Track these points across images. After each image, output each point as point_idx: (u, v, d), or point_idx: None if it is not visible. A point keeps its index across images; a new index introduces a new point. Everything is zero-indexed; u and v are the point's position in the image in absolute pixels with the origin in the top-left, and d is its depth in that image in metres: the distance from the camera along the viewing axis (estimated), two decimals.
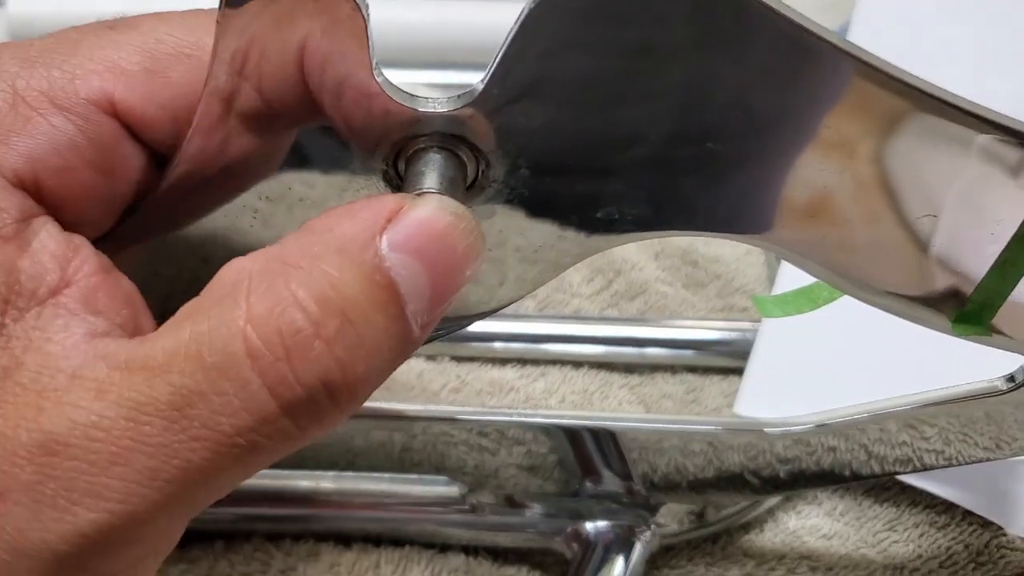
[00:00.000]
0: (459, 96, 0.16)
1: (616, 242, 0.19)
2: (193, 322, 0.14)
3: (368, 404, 0.26)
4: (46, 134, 0.16)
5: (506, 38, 0.15)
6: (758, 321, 0.31)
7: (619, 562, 0.27)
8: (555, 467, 0.27)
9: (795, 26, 0.16)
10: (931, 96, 0.17)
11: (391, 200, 0.15)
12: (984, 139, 0.17)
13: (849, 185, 0.18)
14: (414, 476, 0.27)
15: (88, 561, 0.14)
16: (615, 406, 0.31)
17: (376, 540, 0.27)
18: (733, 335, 0.32)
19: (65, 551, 0.14)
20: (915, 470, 0.26)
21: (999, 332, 0.20)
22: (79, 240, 0.16)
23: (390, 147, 0.17)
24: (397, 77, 0.16)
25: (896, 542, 0.29)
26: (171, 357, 0.14)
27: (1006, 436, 0.25)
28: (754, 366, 0.29)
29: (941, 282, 0.20)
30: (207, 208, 0.19)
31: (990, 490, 0.28)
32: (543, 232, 0.18)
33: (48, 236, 0.15)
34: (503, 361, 0.32)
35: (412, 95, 0.16)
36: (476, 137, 0.17)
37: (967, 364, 0.23)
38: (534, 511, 0.27)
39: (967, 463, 0.25)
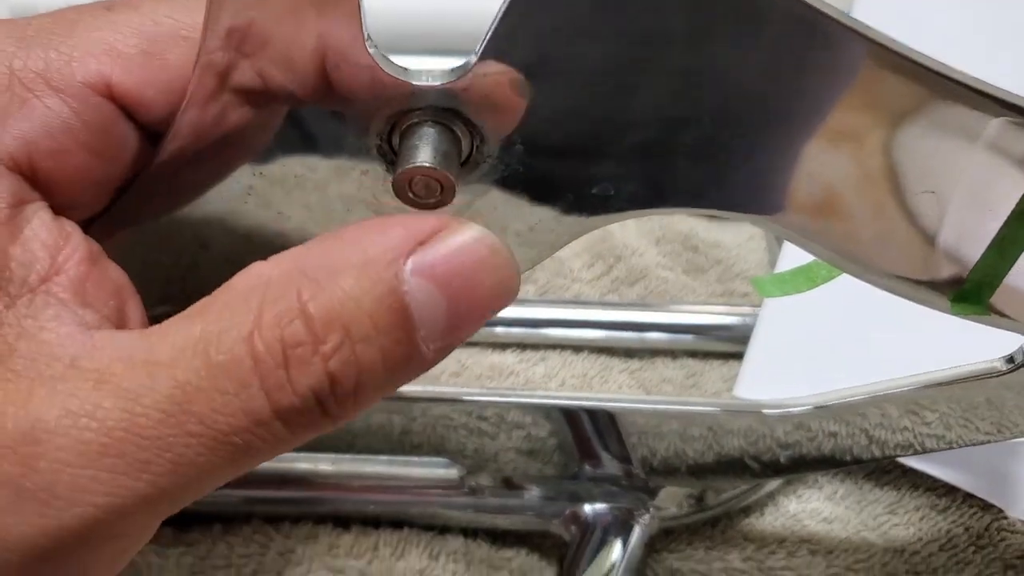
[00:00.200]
0: (452, 70, 0.16)
1: (613, 219, 0.19)
2: (204, 321, 0.14)
3: None
4: (42, 116, 0.16)
5: (498, 12, 0.15)
6: (759, 306, 0.31)
7: (617, 545, 0.27)
8: (554, 451, 0.27)
9: (806, 6, 0.16)
10: (944, 76, 0.17)
11: (430, 222, 0.15)
12: (991, 131, 0.17)
13: (856, 179, 0.18)
14: (413, 458, 0.27)
15: (69, 556, 0.14)
16: (615, 390, 0.31)
17: (375, 522, 0.27)
18: (733, 320, 0.32)
19: (46, 546, 0.14)
20: (916, 453, 0.26)
21: (998, 312, 0.20)
22: (70, 227, 0.16)
23: (384, 121, 0.17)
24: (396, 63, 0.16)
25: (896, 525, 0.28)
26: (179, 352, 0.14)
27: (1007, 421, 0.25)
28: (754, 349, 0.29)
29: (947, 270, 0.20)
30: (200, 186, 0.19)
31: (991, 473, 0.28)
32: (538, 209, 0.18)
33: (40, 223, 0.15)
34: (503, 346, 0.32)
35: (405, 68, 0.16)
36: (470, 111, 0.16)
37: (970, 347, 0.23)
38: (533, 493, 0.27)
39: (968, 445, 0.25)
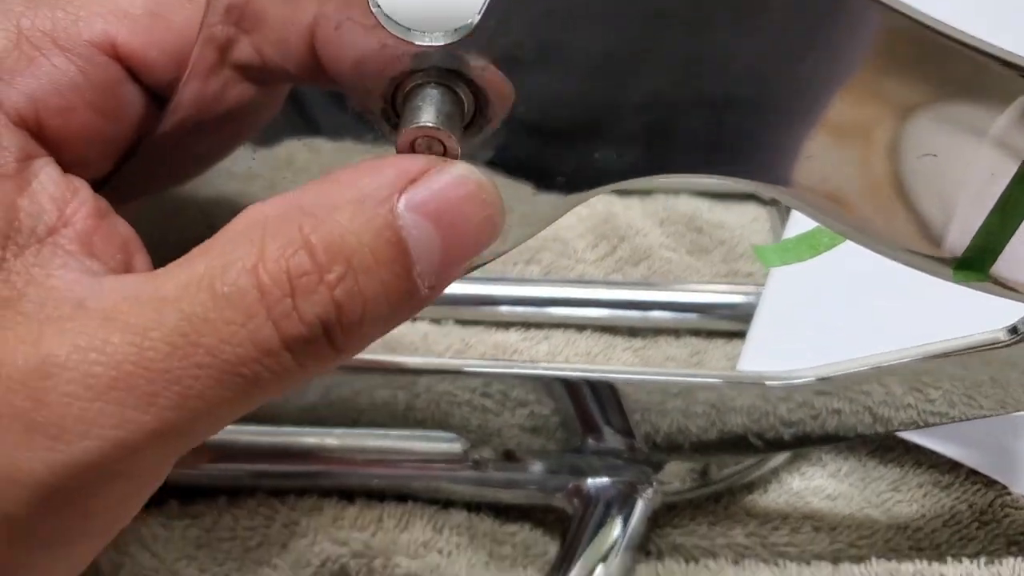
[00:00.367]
0: (456, 30, 0.16)
1: (613, 185, 0.19)
2: (208, 258, 0.15)
3: (371, 357, 0.26)
4: (49, 74, 0.16)
5: None
6: (762, 285, 0.31)
7: (620, 519, 0.27)
8: (558, 428, 0.27)
9: None
10: (965, 44, 0.17)
11: (419, 161, 0.15)
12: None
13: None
14: (418, 432, 0.27)
15: (77, 494, 0.14)
16: None
17: (379, 496, 0.27)
18: (737, 299, 0.32)
19: (54, 483, 0.14)
20: (919, 428, 0.26)
21: (1001, 282, 0.20)
22: (78, 182, 0.16)
23: (388, 83, 0.17)
24: None
25: (900, 502, 0.28)
26: (184, 288, 0.14)
27: (1011, 399, 0.25)
28: (758, 323, 0.29)
29: (949, 238, 0.20)
30: (204, 160, 0.19)
31: (995, 449, 0.28)
32: (541, 172, 0.18)
33: (48, 177, 0.16)
34: (507, 325, 0.32)
35: (408, 28, 0.16)
36: (473, 73, 0.17)
37: (975, 320, 0.23)
38: (536, 467, 0.27)
39: (971, 419, 0.25)
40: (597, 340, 0.32)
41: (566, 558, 0.26)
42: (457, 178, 0.15)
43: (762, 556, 0.27)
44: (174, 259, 0.21)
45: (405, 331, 0.32)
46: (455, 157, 0.17)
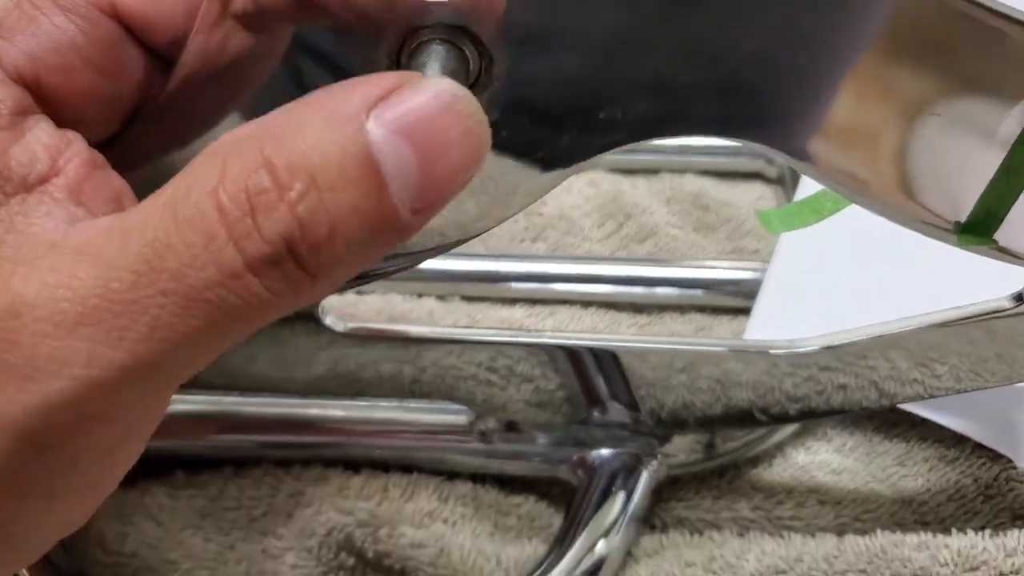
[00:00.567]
0: None
1: (618, 144, 0.19)
2: (173, 185, 0.14)
3: (376, 326, 0.26)
4: (48, 33, 0.16)
5: None
6: (768, 262, 0.31)
7: (624, 491, 0.27)
8: (563, 402, 0.27)
9: None
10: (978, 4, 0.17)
11: (390, 77, 0.15)
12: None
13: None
14: (423, 403, 0.27)
15: (56, 438, 0.14)
16: None
17: (384, 466, 0.27)
18: (742, 275, 0.32)
19: (32, 425, 0.14)
20: (923, 399, 0.26)
21: (1006, 250, 0.20)
22: (72, 135, 0.16)
23: (394, 38, 0.17)
24: None
25: (905, 476, 0.28)
26: (148, 214, 0.14)
27: (1017, 373, 0.25)
28: (765, 295, 0.29)
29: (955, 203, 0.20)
30: (209, 117, 0.19)
31: (1000, 423, 0.28)
32: (544, 132, 0.18)
33: (42, 129, 0.16)
34: (513, 301, 0.32)
35: None
36: (479, 29, 0.17)
37: (981, 291, 0.23)
38: (541, 439, 0.27)
39: (976, 390, 0.25)
40: (602, 316, 0.32)
41: (570, 530, 0.27)
42: (430, 92, 0.14)
43: (767, 529, 0.28)
44: None
45: (411, 307, 0.32)
46: None
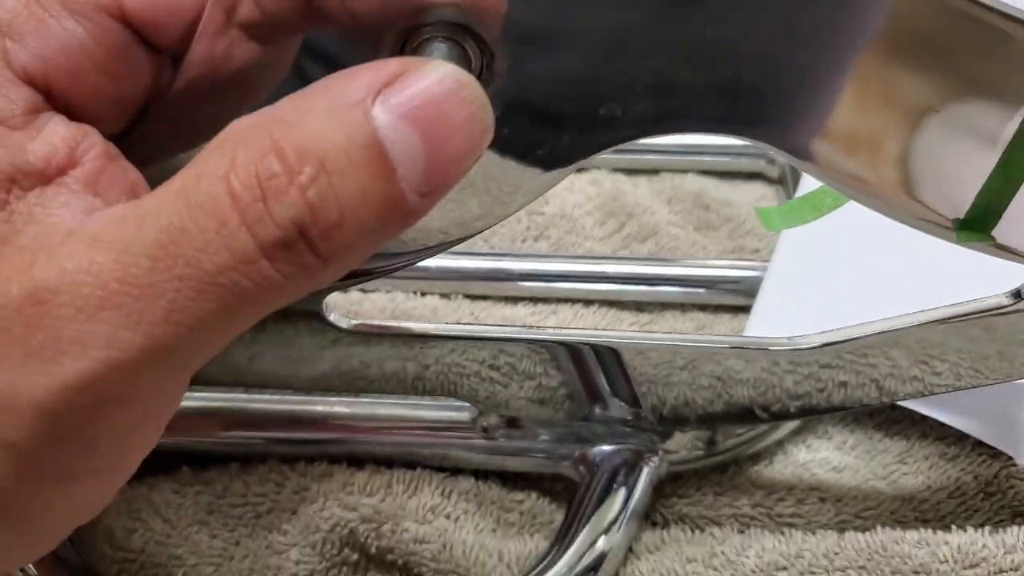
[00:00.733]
0: None
1: (618, 142, 0.19)
2: (184, 174, 0.15)
3: (380, 323, 0.27)
4: (57, 36, 0.16)
5: None
6: (768, 261, 0.31)
7: (625, 487, 0.27)
8: (565, 400, 0.27)
9: None
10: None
11: (394, 63, 0.15)
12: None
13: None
14: (427, 400, 0.27)
15: (77, 420, 0.14)
16: None
17: (388, 463, 0.27)
18: (743, 273, 0.32)
19: (54, 407, 0.14)
20: (923, 396, 0.26)
21: (1003, 243, 0.20)
22: (88, 128, 0.16)
23: (396, 37, 0.17)
24: None
25: (906, 474, 0.29)
26: (162, 200, 0.14)
27: (1016, 372, 0.25)
28: (765, 292, 0.30)
29: (953, 202, 0.20)
30: (216, 122, 0.19)
31: (1001, 420, 0.28)
32: (545, 129, 0.19)
33: (58, 123, 0.16)
34: (515, 299, 0.33)
35: None
36: (481, 27, 0.17)
37: (981, 288, 0.23)
38: (543, 435, 0.27)
39: (976, 387, 0.25)
40: (604, 314, 0.32)
41: (572, 526, 0.27)
42: (434, 77, 0.15)
43: (768, 526, 0.28)
44: None
45: (415, 305, 0.32)
46: None
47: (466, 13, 0.17)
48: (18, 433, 0.14)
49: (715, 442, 0.28)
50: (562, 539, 0.26)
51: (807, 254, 0.30)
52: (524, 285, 0.32)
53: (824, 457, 0.29)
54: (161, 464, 0.28)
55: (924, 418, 0.29)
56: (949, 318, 0.24)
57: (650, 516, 0.28)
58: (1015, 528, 0.26)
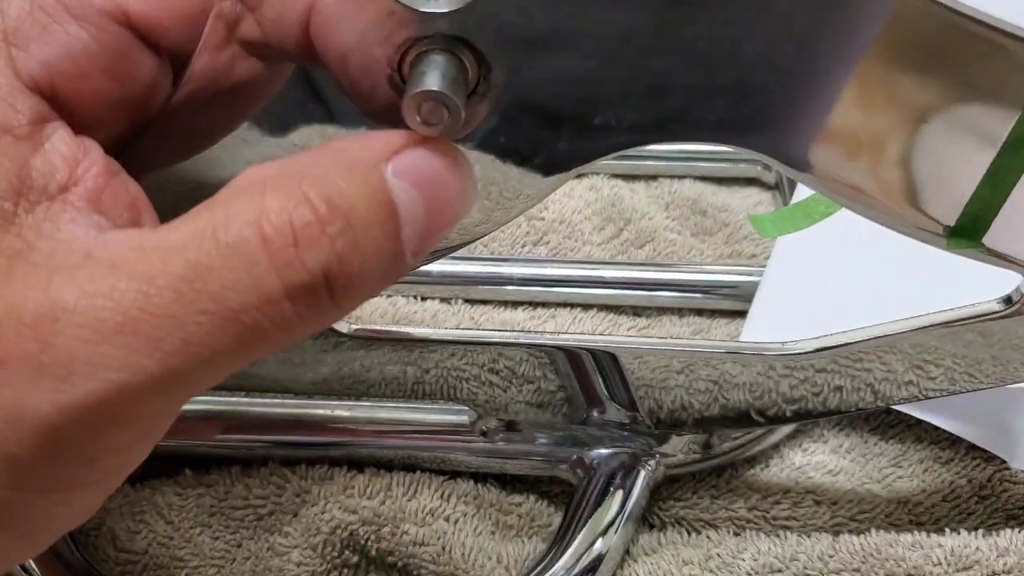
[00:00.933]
0: None
1: (617, 149, 0.19)
2: (210, 212, 0.15)
3: (382, 328, 0.27)
4: (62, 42, 0.17)
5: None
6: (764, 267, 0.32)
7: (622, 490, 0.27)
8: (563, 404, 0.28)
9: None
10: (972, 19, 0.17)
11: (401, 135, 0.16)
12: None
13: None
14: (426, 403, 0.27)
15: (81, 437, 0.15)
16: None
17: (388, 465, 0.28)
18: (739, 278, 0.32)
19: (59, 424, 0.14)
20: (919, 400, 0.26)
21: (994, 252, 0.21)
22: (89, 143, 0.17)
23: (395, 50, 0.17)
24: None
25: (901, 477, 0.29)
26: (188, 238, 0.15)
27: (1010, 376, 0.26)
28: (761, 298, 0.30)
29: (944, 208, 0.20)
30: (218, 130, 0.19)
31: (994, 424, 0.28)
32: (542, 137, 0.19)
33: (60, 139, 0.16)
34: (514, 304, 0.33)
35: None
36: (478, 39, 0.17)
37: (975, 294, 0.24)
38: (541, 439, 0.28)
39: (971, 391, 0.26)
40: (602, 319, 0.32)
41: (569, 528, 0.27)
42: (437, 151, 0.16)
43: (763, 529, 0.28)
44: None
45: (415, 309, 0.33)
46: (459, 122, 0.17)
47: (462, 27, 0.17)
48: (20, 447, 0.14)
49: (711, 445, 0.28)
50: (560, 541, 0.27)
51: (803, 259, 0.30)
52: (523, 289, 0.33)
53: (820, 460, 0.29)
54: (164, 467, 0.28)
55: (919, 422, 0.29)
56: (943, 323, 0.24)
57: (647, 519, 0.28)
58: (1008, 531, 0.26)
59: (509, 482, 0.28)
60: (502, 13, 0.17)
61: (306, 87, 0.19)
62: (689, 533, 0.28)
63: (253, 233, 0.15)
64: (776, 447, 0.29)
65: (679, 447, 0.28)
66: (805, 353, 0.25)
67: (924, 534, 0.26)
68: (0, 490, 0.15)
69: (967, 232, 0.20)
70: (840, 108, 0.19)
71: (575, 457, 0.28)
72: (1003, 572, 0.25)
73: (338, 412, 0.28)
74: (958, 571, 0.25)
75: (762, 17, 0.17)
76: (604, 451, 0.28)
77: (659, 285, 0.33)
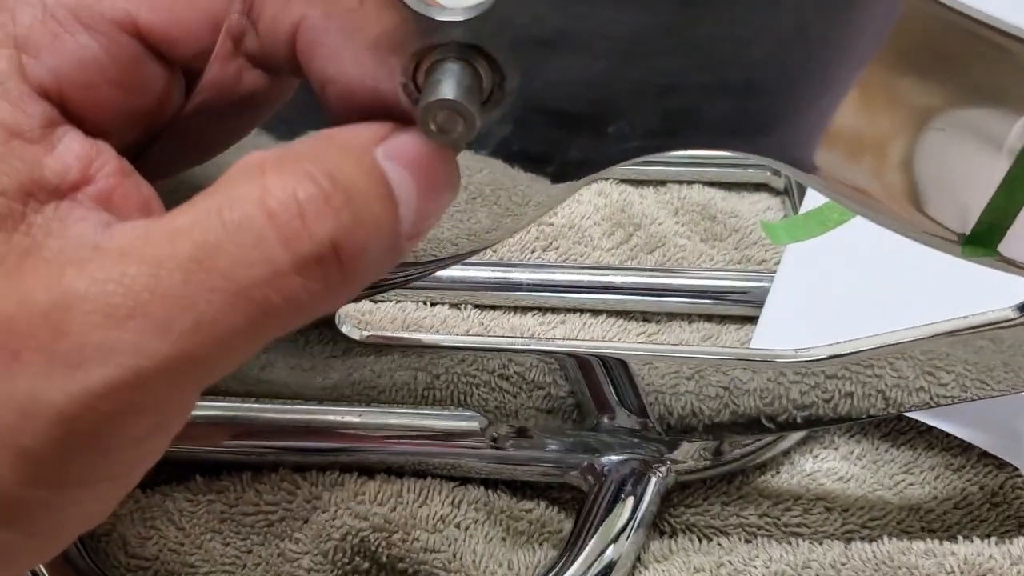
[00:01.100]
0: (476, 5, 0.17)
1: (628, 157, 0.19)
2: (213, 196, 0.15)
3: (392, 334, 0.27)
4: (72, 51, 0.17)
5: None
6: (774, 272, 0.32)
7: (633, 497, 0.27)
8: (574, 409, 0.28)
9: None
10: (981, 22, 0.17)
11: (386, 124, 0.16)
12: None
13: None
14: (437, 410, 0.27)
15: (96, 426, 0.14)
16: None
17: (399, 472, 0.28)
18: (749, 284, 0.32)
19: (73, 413, 0.14)
20: (929, 408, 0.26)
21: (1009, 260, 0.21)
22: (102, 144, 0.17)
23: (409, 59, 0.17)
24: None
25: (912, 484, 0.29)
26: (193, 221, 0.15)
27: (1022, 384, 0.26)
28: (771, 305, 0.30)
29: (959, 216, 0.20)
30: (228, 138, 0.20)
31: (1007, 431, 0.28)
32: (555, 145, 0.19)
33: (72, 139, 0.16)
34: (524, 309, 0.33)
35: (427, 4, 0.17)
36: (492, 46, 0.17)
37: (988, 302, 0.23)
38: (552, 445, 0.28)
39: (982, 399, 0.26)
40: (612, 324, 0.32)
41: (580, 535, 0.27)
42: (422, 137, 0.16)
43: (775, 536, 0.28)
44: None
45: (425, 314, 0.33)
46: (473, 130, 0.17)
47: (476, 35, 0.17)
48: (34, 439, 0.14)
49: (722, 452, 0.28)
50: (571, 548, 0.27)
51: (813, 266, 0.30)
52: (533, 295, 0.33)
53: (830, 467, 0.29)
54: (175, 473, 0.28)
55: (930, 429, 0.29)
56: (955, 331, 0.24)
57: (658, 525, 0.28)
58: (1021, 539, 0.26)
59: (519, 488, 0.28)
60: (517, 20, 0.17)
61: (314, 94, 0.19)
62: (700, 540, 0.28)
63: (258, 210, 0.15)
64: (787, 453, 0.29)
65: (690, 453, 0.28)
66: (817, 360, 0.25)
67: (937, 542, 0.26)
68: (13, 486, 0.15)
69: (983, 240, 0.20)
70: (846, 113, 0.19)
71: (586, 463, 0.28)
72: None
73: (349, 418, 0.28)
74: None
75: (770, 17, 0.17)
76: (615, 457, 0.28)
77: (669, 291, 0.32)
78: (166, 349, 0.14)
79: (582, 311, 0.33)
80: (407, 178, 0.16)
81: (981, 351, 0.25)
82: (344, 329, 0.26)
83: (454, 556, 0.26)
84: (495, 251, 0.34)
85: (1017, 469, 0.28)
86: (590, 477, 0.27)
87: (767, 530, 0.28)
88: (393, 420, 0.28)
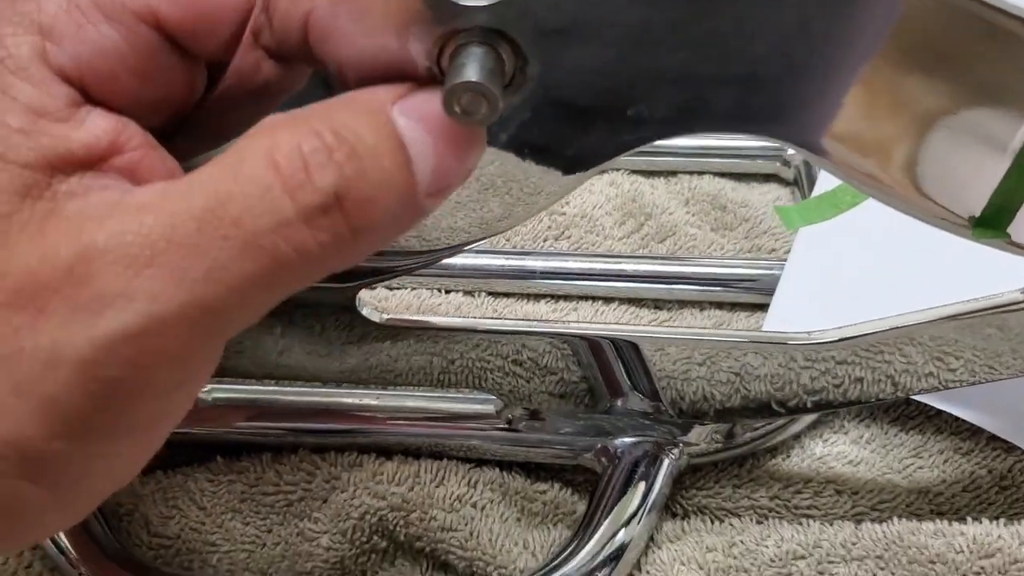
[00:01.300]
0: None
1: (642, 142, 0.20)
2: (228, 155, 0.16)
3: (407, 317, 0.28)
4: (94, 40, 0.17)
5: None
6: (785, 260, 0.32)
7: (646, 479, 0.28)
8: (586, 394, 0.28)
9: None
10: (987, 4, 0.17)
11: (404, 84, 0.17)
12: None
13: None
14: (453, 392, 0.28)
15: (118, 372, 0.15)
16: None
17: (416, 453, 0.28)
18: (760, 272, 0.33)
19: (95, 359, 0.15)
20: (938, 391, 0.27)
21: (1019, 243, 0.21)
22: (127, 119, 0.17)
23: (433, 43, 0.18)
24: None
25: (921, 468, 0.29)
26: (208, 176, 0.15)
27: None
28: (782, 289, 0.30)
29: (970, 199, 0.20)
30: (246, 126, 0.20)
31: (1015, 414, 0.29)
32: (573, 131, 0.19)
33: (99, 115, 0.17)
34: (537, 296, 0.33)
35: None
36: (515, 31, 0.18)
37: (997, 286, 0.24)
38: (566, 428, 0.28)
39: (990, 382, 0.26)
40: (623, 312, 0.33)
41: (594, 516, 0.27)
42: (438, 96, 0.16)
43: (786, 517, 0.28)
44: None
45: (439, 301, 0.33)
46: (496, 112, 0.18)
47: (500, 19, 0.17)
48: (59, 387, 0.15)
49: (734, 435, 0.29)
50: (585, 529, 0.27)
51: (823, 252, 0.31)
52: (545, 283, 0.33)
53: (840, 451, 0.30)
54: (196, 454, 0.29)
55: (939, 412, 0.29)
56: (963, 314, 0.25)
57: (670, 507, 0.29)
58: None
59: (534, 470, 0.29)
60: (538, 6, 0.17)
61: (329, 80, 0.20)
62: (712, 521, 0.28)
63: (265, 163, 0.15)
64: (797, 437, 0.30)
65: (702, 436, 0.28)
66: (827, 343, 0.26)
67: (946, 522, 0.27)
68: (40, 440, 0.15)
69: (992, 223, 0.21)
70: (852, 104, 0.19)
71: (599, 446, 0.28)
72: None
73: (366, 400, 0.28)
74: (981, 558, 0.26)
75: (772, 13, 0.18)
76: (628, 440, 0.28)
77: (680, 279, 0.33)
78: (181, 295, 0.15)
79: (594, 299, 0.33)
80: (423, 135, 0.16)
81: (989, 336, 0.25)
82: (365, 312, 0.26)
83: (470, 535, 0.26)
84: (508, 239, 0.35)
85: None
86: (603, 459, 0.28)
87: (778, 512, 0.29)
88: (410, 403, 0.28)
